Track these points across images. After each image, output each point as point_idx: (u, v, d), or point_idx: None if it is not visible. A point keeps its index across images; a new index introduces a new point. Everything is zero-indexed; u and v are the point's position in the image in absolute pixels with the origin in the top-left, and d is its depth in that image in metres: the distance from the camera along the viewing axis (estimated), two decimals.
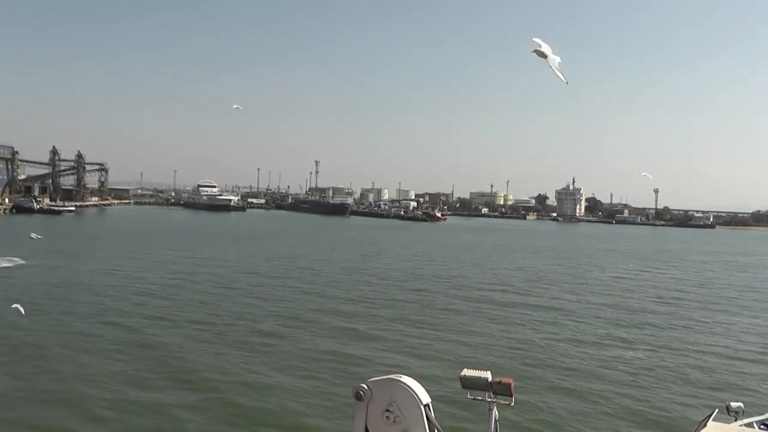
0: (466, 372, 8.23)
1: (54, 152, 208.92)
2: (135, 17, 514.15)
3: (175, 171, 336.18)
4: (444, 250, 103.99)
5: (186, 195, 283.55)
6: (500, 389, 8.07)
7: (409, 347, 34.59)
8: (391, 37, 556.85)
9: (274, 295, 50.68)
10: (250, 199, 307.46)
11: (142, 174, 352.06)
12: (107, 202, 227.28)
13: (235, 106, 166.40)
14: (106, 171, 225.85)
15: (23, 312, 34.55)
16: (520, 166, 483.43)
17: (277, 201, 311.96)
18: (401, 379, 7.88)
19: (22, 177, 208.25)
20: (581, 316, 46.41)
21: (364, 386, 7.90)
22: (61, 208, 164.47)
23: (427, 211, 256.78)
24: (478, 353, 33.39)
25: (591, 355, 34.10)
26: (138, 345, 32.99)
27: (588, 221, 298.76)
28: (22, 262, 62.04)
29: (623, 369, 31.39)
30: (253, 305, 45.58)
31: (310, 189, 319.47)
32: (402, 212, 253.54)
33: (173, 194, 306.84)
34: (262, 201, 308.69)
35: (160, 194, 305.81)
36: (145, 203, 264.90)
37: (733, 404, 10.06)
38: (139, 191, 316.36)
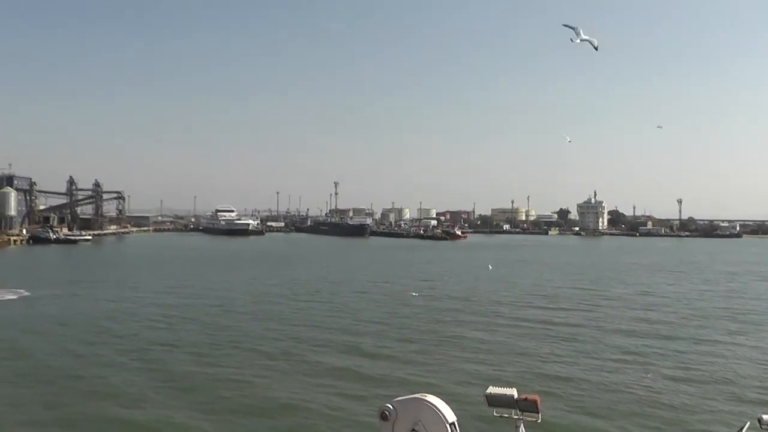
0: (492, 389, 8.32)
1: (71, 182, 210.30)
2: (152, 44, 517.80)
3: (195, 197, 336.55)
4: (460, 267, 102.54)
5: (204, 220, 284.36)
6: (526, 406, 8.11)
7: (431, 366, 34.04)
8: (411, 56, 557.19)
9: (289, 317, 49.84)
10: (269, 223, 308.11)
11: (162, 201, 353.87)
12: (126, 230, 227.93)
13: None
14: (124, 199, 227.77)
15: None
16: (541, 181, 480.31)
17: (296, 224, 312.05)
18: (426, 398, 7.92)
19: (42, 207, 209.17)
20: (604, 332, 45.05)
21: (390, 406, 7.99)
22: (77, 238, 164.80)
23: (447, 229, 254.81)
24: (502, 370, 32.88)
25: (615, 372, 33.01)
26: (143, 368, 32.60)
27: (611, 234, 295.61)
28: (27, 293, 61.56)
29: (649, 386, 30.25)
30: (268, 328, 44.92)
31: (330, 211, 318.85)
32: (421, 231, 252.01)
33: (193, 220, 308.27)
34: (282, 224, 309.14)
35: (179, 220, 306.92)
36: (164, 230, 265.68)
37: (765, 417, 9.25)
38: (159, 218, 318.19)
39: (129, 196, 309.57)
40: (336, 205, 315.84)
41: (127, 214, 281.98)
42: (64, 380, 30.87)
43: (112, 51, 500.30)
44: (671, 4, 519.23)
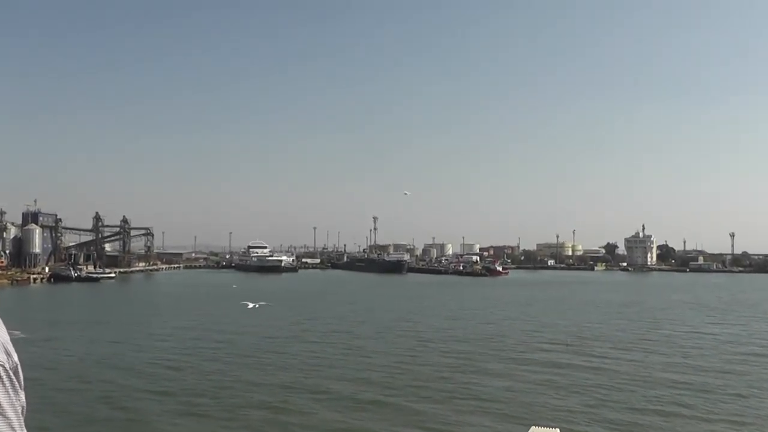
0: (534, 430, 8.59)
1: (97, 218, 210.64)
2: (187, 77, 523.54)
3: (231, 233, 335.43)
4: (494, 306, 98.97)
5: (237, 257, 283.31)
6: None
7: (468, 408, 33.43)
8: (458, 89, 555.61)
9: (290, 361, 47.35)
10: (304, 259, 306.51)
11: (196, 237, 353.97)
12: (155, 267, 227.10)
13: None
14: (152, 235, 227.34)
15: None
16: (588, 215, 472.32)
17: (332, 260, 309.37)
18: None
19: (72, 244, 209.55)
20: (641, 376, 42.35)
21: None
22: (100, 276, 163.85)
23: (488, 265, 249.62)
24: (538, 413, 31.79)
25: (654, 416, 31.36)
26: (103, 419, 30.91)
27: (660, 270, 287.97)
28: (21, 335, 59.30)
29: None
30: (266, 373, 42.63)
31: (369, 247, 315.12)
32: (461, 267, 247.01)
33: (227, 256, 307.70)
34: (317, 261, 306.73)
35: (212, 257, 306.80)
36: (195, 267, 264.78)
37: None
38: (193, 255, 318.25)
39: (163, 233, 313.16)
40: (375, 241, 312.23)
41: (160, 251, 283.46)
42: None
43: (143, 89, 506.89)
44: (716, 28, 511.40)
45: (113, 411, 33.94)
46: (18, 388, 1.80)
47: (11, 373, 1.78)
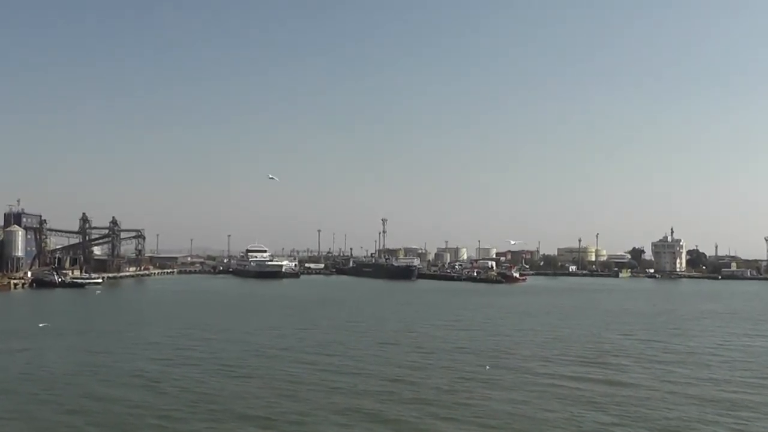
0: None
1: (84, 219, 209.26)
2: (185, 75, 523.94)
3: (229, 235, 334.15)
4: (509, 315, 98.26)
5: (234, 262, 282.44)
6: None
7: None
8: (471, 86, 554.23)
9: (277, 376, 47.04)
10: (307, 264, 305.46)
11: (192, 240, 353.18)
12: (146, 271, 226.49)
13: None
14: (144, 238, 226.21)
15: None
16: (613, 218, 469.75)
17: (338, 265, 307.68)
18: None
19: (59, 247, 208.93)
20: (661, 393, 41.85)
21: None
22: (85, 281, 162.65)
23: (504, 271, 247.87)
24: None
25: None
26: None
27: (690, 277, 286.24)
28: None
29: None
30: (247, 392, 41.99)
31: (378, 251, 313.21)
32: (475, 273, 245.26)
33: (225, 261, 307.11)
34: (321, 266, 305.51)
35: (207, 262, 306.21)
36: (190, 272, 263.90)
37: None
38: (189, 259, 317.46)
39: (158, 235, 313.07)
40: (384, 245, 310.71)
41: (154, 254, 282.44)
42: None
43: (134, 85, 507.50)
44: (746, 23, 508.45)
45: (85, 426, 33.82)
46: None
47: None
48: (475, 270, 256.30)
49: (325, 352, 58.67)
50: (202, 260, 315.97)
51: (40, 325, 72.38)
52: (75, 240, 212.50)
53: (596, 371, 50.19)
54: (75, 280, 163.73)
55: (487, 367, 48.49)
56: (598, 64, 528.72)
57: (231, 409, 37.33)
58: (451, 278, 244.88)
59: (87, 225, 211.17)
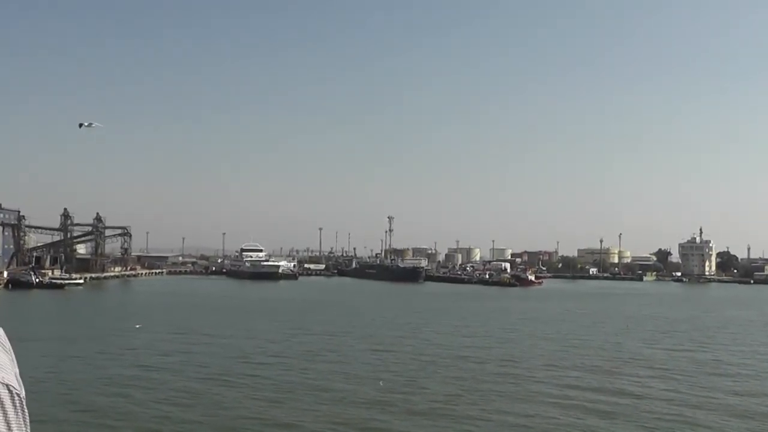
0: None
1: (66, 215, 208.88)
2: (176, 62, 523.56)
3: (224, 233, 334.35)
4: (520, 321, 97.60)
5: (228, 262, 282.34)
6: None
7: None
8: (483, 75, 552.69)
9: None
10: (306, 265, 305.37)
11: (184, 239, 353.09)
12: (133, 272, 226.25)
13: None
14: (130, 236, 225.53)
15: None
16: (638, 217, 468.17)
17: (339, 266, 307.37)
18: None
19: (39, 245, 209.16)
20: (678, 410, 40.64)
21: None
22: (66, 282, 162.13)
23: (518, 273, 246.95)
24: None
25: None
26: None
27: (720, 281, 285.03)
28: None
29: None
30: (205, 414, 41.06)
31: (384, 251, 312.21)
32: (487, 276, 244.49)
33: (219, 260, 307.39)
34: (321, 267, 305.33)
35: (200, 262, 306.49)
36: (181, 273, 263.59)
37: None
38: (180, 258, 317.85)
39: (148, 233, 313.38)
40: (390, 244, 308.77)
41: (143, 254, 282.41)
42: None
43: (121, 72, 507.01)
44: None
45: None
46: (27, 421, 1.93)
47: (24, 405, 1.95)
48: (487, 272, 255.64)
49: (315, 360, 58.12)
50: (194, 260, 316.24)
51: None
52: (57, 238, 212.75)
53: (610, 381, 49.47)
54: (54, 281, 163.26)
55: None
56: (620, 55, 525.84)
57: (207, 421, 36.76)
58: (462, 281, 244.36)
59: (69, 221, 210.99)
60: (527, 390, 46.35)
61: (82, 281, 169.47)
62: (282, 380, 48.94)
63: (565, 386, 48.02)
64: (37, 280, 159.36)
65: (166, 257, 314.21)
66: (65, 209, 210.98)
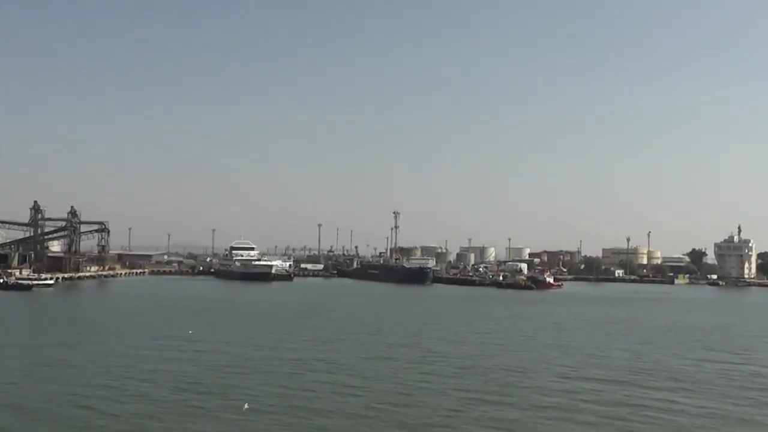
0: None
1: (36, 209, 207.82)
2: (165, 45, 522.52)
3: (214, 230, 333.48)
4: (533, 329, 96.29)
5: (217, 261, 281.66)
6: None
7: None
8: (496, 58, 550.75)
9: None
10: (303, 265, 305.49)
11: (169, 235, 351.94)
12: (111, 272, 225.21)
13: None
14: (108, 232, 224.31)
15: None
16: (669, 214, 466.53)
17: (340, 266, 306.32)
18: None
19: (8, 242, 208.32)
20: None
21: None
22: (33, 282, 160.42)
23: (535, 275, 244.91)
24: None
25: None
26: None
27: (761, 285, 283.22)
28: None
29: None
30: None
31: (390, 249, 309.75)
32: (500, 278, 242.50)
33: (208, 259, 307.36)
34: (320, 267, 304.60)
35: (186, 261, 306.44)
36: (164, 273, 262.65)
37: None
38: (165, 257, 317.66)
39: (130, 229, 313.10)
40: (396, 242, 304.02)
41: (126, 252, 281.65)
42: None
43: (99, 51, 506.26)
44: None
45: None
46: None
47: None
48: (501, 273, 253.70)
49: (300, 370, 57.61)
50: (180, 259, 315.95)
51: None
52: (28, 234, 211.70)
53: (628, 396, 48.61)
54: (20, 281, 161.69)
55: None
56: (648, 40, 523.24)
57: None
58: (472, 283, 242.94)
59: (39, 215, 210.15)
60: (533, 404, 45.65)
61: (52, 282, 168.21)
62: (258, 392, 48.23)
63: (577, 400, 47.22)
64: (2, 280, 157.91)
65: (150, 256, 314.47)
66: (35, 202, 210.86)
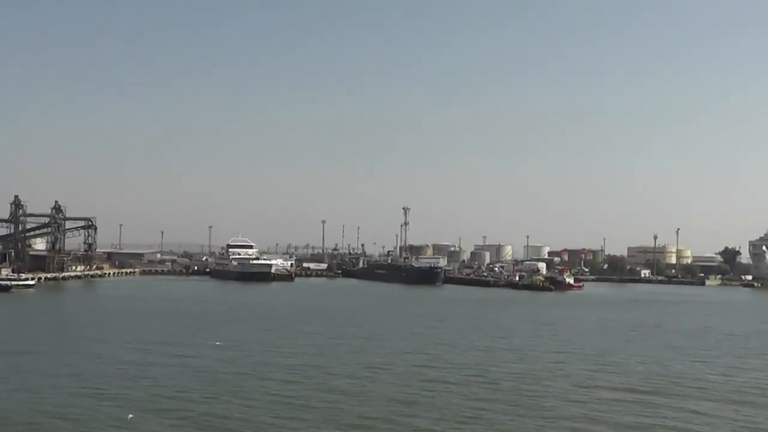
0: None
1: (16, 204, 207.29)
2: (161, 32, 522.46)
3: (211, 227, 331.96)
4: (549, 334, 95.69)
5: (213, 260, 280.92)
6: None
7: None
8: (511, 45, 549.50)
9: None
10: (306, 264, 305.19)
11: (163, 233, 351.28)
12: (98, 271, 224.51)
13: None
14: (95, 228, 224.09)
15: None
16: (700, 210, 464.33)
17: (345, 266, 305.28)
18: None
19: None
20: None
21: None
22: (12, 283, 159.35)
23: (553, 275, 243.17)
24: None
25: None
26: None
27: None
28: None
29: None
30: None
31: (399, 248, 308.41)
32: (516, 278, 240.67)
33: (205, 258, 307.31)
34: (323, 266, 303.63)
35: (180, 259, 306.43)
36: (156, 272, 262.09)
37: None
38: (158, 256, 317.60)
39: (121, 226, 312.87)
40: (405, 240, 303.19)
41: (117, 250, 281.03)
42: None
43: (94, 35, 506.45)
44: None
45: None
46: None
47: None
48: (518, 273, 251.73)
49: (292, 379, 57.03)
50: (174, 258, 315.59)
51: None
52: (8, 230, 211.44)
53: (648, 409, 47.75)
54: None
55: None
56: (671, 29, 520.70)
57: None
58: (486, 284, 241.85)
59: (21, 211, 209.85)
60: (545, 415, 45.18)
61: (33, 282, 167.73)
62: (249, 402, 47.75)
63: (594, 410, 46.75)
64: None
65: (142, 254, 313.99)
66: (16, 197, 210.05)
